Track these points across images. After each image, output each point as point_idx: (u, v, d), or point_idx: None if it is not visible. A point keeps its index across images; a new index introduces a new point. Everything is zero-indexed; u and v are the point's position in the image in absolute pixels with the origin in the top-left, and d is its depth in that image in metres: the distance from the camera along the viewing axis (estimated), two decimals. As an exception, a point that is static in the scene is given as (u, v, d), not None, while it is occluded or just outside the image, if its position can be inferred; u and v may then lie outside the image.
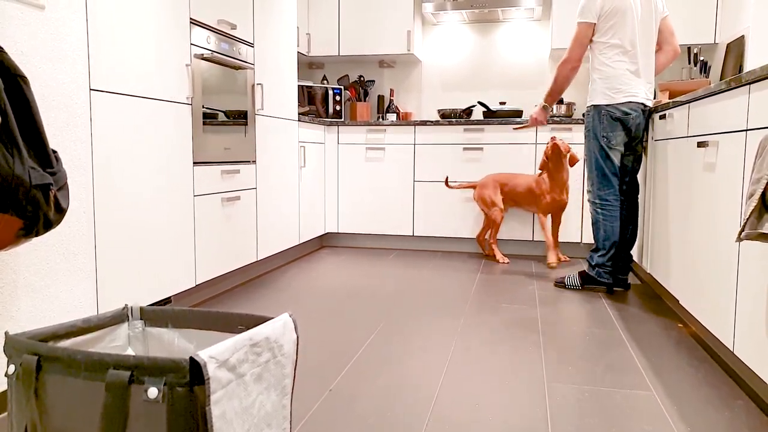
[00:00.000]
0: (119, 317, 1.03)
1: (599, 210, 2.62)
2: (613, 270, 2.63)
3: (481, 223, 3.62)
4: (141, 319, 1.05)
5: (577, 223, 3.47)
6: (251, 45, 2.73)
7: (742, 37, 3.04)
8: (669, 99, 2.89)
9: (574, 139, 3.43)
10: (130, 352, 1.05)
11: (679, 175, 2.17)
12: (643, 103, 2.54)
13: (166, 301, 2.17)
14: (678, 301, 2.15)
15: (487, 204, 3.35)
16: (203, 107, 2.33)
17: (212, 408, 0.73)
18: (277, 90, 3.03)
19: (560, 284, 2.77)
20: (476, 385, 1.60)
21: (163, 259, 2.07)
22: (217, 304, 2.45)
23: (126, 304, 1.03)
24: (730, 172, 1.62)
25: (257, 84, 2.79)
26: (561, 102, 3.78)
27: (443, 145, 3.64)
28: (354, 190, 3.81)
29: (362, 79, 4.23)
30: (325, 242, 3.99)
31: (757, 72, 1.44)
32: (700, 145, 1.84)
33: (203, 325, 1.01)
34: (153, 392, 0.72)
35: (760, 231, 1.17)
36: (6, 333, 0.80)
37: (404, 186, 3.72)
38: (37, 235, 1.24)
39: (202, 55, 2.30)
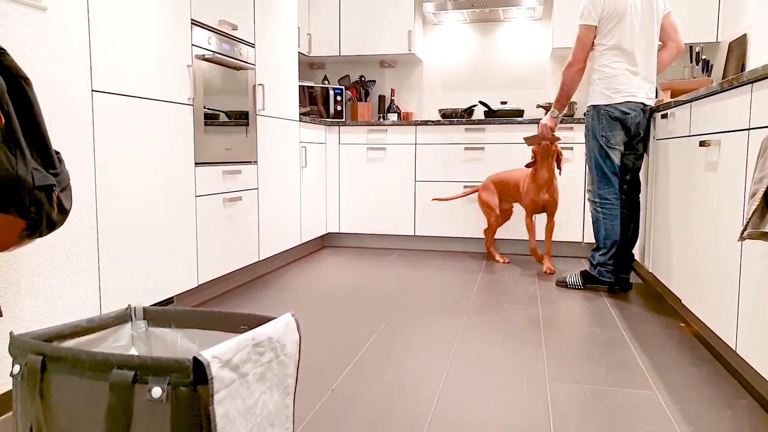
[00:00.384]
0: (122, 317, 1.03)
1: (599, 209, 2.62)
2: (614, 269, 2.63)
3: (481, 223, 3.62)
4: (144, 319, 1.06)
5: (579, 223, 3.47)
6: (252, 45, 2.74)
7: (745, 35, 3.04)
8: (671, 98, 2.88)
9: (576, 138, 3.43)
10: (133, 352, 1.05)
11: (680, 175, 2.17)
12: (642, 103, 2.55)
13: (168, 301, 2.18)
14: (680, 300, 2.15)
15: (483, 207, 3.35)
16: (204, 108, 2.33)
17: (215, 407, 0.73)
18: (278, 90, 3.03)
19: (562, 284, 2.77)
20: (478, 384, 1.60)
21: (165, 259, 2.08)
22: (219, 304, 2.46)
23: (129, 305, 1.04)
24: (732, 172, 1.62)
25: (258, 84, 2.80)
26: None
27: (444, 144, 3.64)
28: (355, 190, 3.81)
29: (363, 79, 4.23)
30: (326, 242, 3.99)
31: (760, 71, 1.44)
32: (701, 144, 1.84)
33: (206, 325, 1.02)
34: (157, 392, 0.72)
35: (762, 230, 1.17)
36: (11, 333, 0.80)
37: (406, 186, 3.72)
38: (40, 236, 1.25)
39: (203, 55, 2.31)
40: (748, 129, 1.53)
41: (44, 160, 1.26)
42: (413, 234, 3.74)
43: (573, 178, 3.45)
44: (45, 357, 0.77)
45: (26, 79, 1.23)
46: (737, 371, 1.66)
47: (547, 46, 3.97)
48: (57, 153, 1.30)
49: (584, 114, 3.69)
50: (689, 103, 2.08)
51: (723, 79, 3.33)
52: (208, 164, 2.38)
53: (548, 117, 2.81)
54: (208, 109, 2.36)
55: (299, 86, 3.84)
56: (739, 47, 3.10)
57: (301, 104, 3.92)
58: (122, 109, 1.84)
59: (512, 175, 3.28)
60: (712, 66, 3.35)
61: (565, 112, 3.73)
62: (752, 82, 1.51)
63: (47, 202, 1.22)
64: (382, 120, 3.94)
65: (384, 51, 3.93)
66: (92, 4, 1.69)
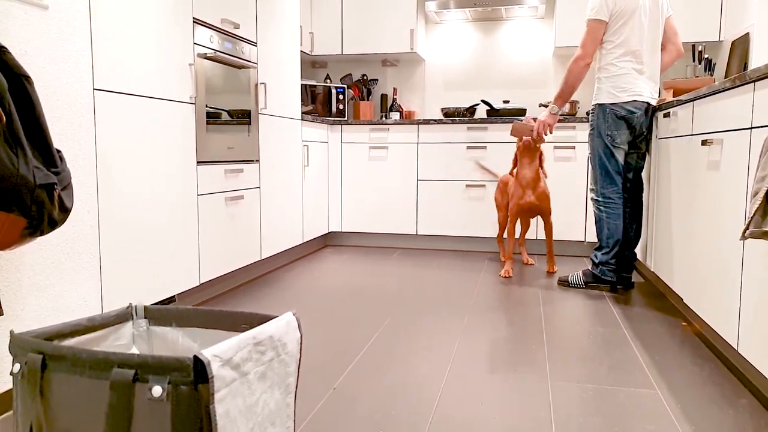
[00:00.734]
0: (123, 316, 1.03)
1: (602, 208, 2.61)
2: (617, 268, 2.63)
3: (483, 222, 3.62)
4: (145, 318, 1.06)
5: (581, 222, 3.46)
6: (254, 44, 2.74)
7: (747, 34, 3.03)
8: (673, 97, 2.88)
9: (578, 138, 3.42)
10: (134, 350, 1.05)
11: (683, 174, 2.16)
12: (647, 102, 2.54)
13: (170, 300, 2.18)
14: (682, 299, 2.15)
15: (495, 203, 3.33)
16: (206, 106, 2.33)
17: (216, 406, 0.73)
18: (280, 89, 3.03)
19: (564, 283, 2.76)
20: (480, 383, 1.60)
21: (166, 258, 2.08)
22: (221, 303, 2.46)
23: (130, 303, 1.04)
24: (735, 171, 1.62)
25: (260, 83, 2.79)
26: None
27: (447, 143, 3.64)
28: (357, 189, 3.81)
29: (365, 77, 4.23)
30: (328, 241, 3.99)
31: (762, 70, 1.43)
32: (704, 143, 1.84)
33: (207, 324, 1.02)
34: (157, 391, 0.72)
35: (764, 229, 1.17)
36: (11, 332, 0.81)
37: (408, 185, 3.72)
38: (41, 235, 1.25)
39: (206, 54, 2.31)
40: (750, 128, 1.52)
41: (45, 158, 1.26)
42: (415, 233, 3.74)
43: (574, 177, 3.44)
44: (45, 356, 0.77)
45: (27, 78, 1.23)
46: (739, 370, 1.66)
47: (550, 45, 3.96)
48: (58, 151, 1.30)
49: (587, 113, 3.69)
50: (691, 102, 2.07)
51: (725, 78, 3.32)
52: (210, 163, 2.38)
53: (547, 114, 2.71)
54: (210, 107, 2.36)
55: (301, 85, 3.84)
56: (741, 46, 3.08)
57: (303, 103, 3.92)
58: (124, 108, 1.84)
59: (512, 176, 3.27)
60: (714, 65, 3.34)
61: (566, 110, 3.72)
62: (755, 81, 1.51)
63: (48, 200, 1.22)
64: (384, 119, 3.93)
65: (386, 50, 3.93)
66: (94, 3, 1.69)
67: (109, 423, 0.73)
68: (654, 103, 2.59)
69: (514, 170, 3.04)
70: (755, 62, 2.92)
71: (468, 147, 3.60)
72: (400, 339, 1.97)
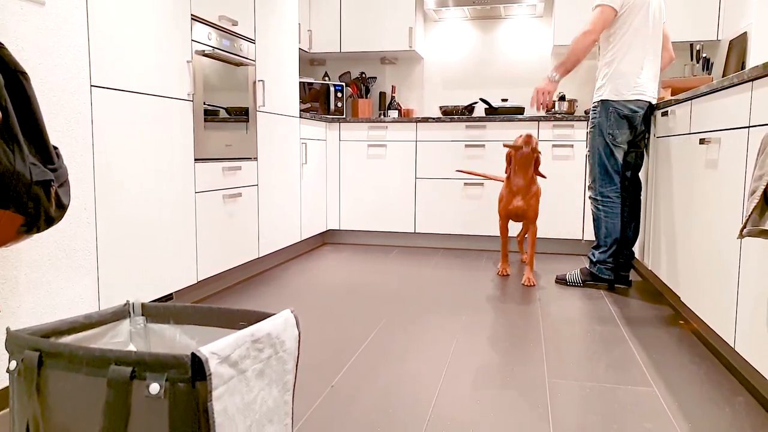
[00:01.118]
0: (121, 313, 1.03)
1: (600, 207, 2.61)
2: (614, 267, 2.63)
3: (481, 221, 3.62)
4: (143, 315, 1.05)
5: (578, 220, 3.46)
6: (252, 41, 2.73)
7: (745, 33, 3.03)
8: (671, 96, 2.88)
9: (576, 136, 3.42)
10: (131, 348, 1.05)
11: (680, 173, 2.16)
12: (649, 102, 2.53)
13: (167, 297, 2.18)
14: (679, 297, 2.15)
15: None
16: (204, 104, 2.32)
17: (214, 404, 0.73)
18: (278, 87, 3.02)
19: (561, 281, 2.76)
20: (478, 381, 1.60)
21: (164, 255, 2.08)
22: (219, 301, 2.46)
23: (128, 301, 1.03)
24: (732, 169, 1.62)
25: (259, 80, 2.79)
26: (563, 99, 3.77)
27: (445, 142, 3.63)
28: (356, 187, 3.80)
29: (364, 75, 4.22)
30: (326, 239, 3.99)
31: (760, 69, 1.43)
32: (702, 142, 1.84)
33: (205, 321, 1.01)
34: (155, 388, 0.72)
35: (761, 228, 1.17)
36: (7, 329, 0.80)
37: (406, 183, 3.72)
38: (38, 232, 1.24)
39: (203, 51, 2.30)
40: (748, 127, 1.52)
41: (42, 155, 1.25)
42: (413, 231, 3.74)
43: (572, 176, 3.45)
44: (42, 353, 0.77)
45: (24, 74, 1.22)
46: (735, 368, 1.66)
47: (548, 43, 3.96)
48: (55, 148, 1.30)
49: (586, 111, 3.69)
50: (689, 101, 2.08)
51: (723, 76, 3.32)
52: (208, 160, 2.37)
53: (546, 81, 2.59)
54: (208, 105, 2.35)
55: (300, 82, 3.83)
56: (739, 45, 3.09)
57: (302, 101, 3.91)
58: (121, 105, 1.83)
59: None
60: (712, 64, 3.35)
61: (564, 109, 3.72)
62: (753, 80, 1.51)
63: (45, 197, 1.22)
64: (382, 117, 3.93)
65: (385, 48, 3.92)
66: (91, -1, 1.68)
67: (106, 420, 0.72)
68: (654, 102, 2.59)
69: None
70: (753, 61, 2.93)
71: (466, 145, 3.60)
72: (398, 337, 1.97)
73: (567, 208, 3.47)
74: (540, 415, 1.40)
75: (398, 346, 1.87)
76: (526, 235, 3.22)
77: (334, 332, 2.02)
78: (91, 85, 1.69)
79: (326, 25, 3.98)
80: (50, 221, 1.26)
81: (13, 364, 0.78)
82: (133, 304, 1.04)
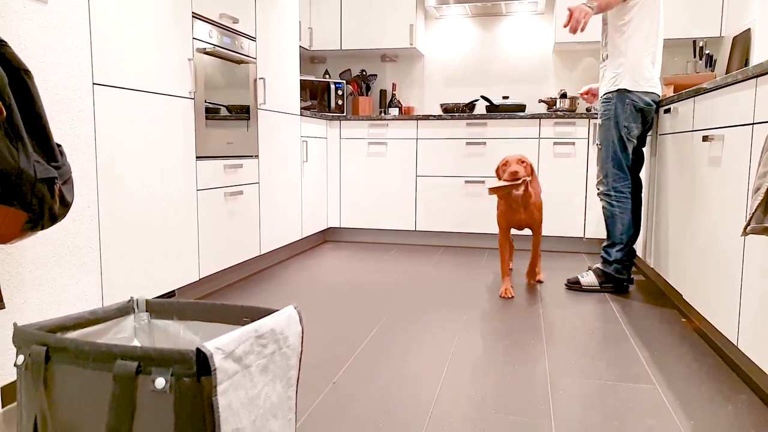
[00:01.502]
0: (125, 309, 1.03)
1: (615, 203, 2.49)
2: (629, 265, 2.56)
3: (482, 219, 3.62)
4: (147, 311, 1.06)
5: (580, 217, 3.46)
6: (253, 39, 2.73)
7: (749, 30, 3.03)
8: (673, 93, 2.87)
9: (577, 134, 3.42)
10: (135, 343, 1.05)
11: (683, 170, 2.16)
12: (660, 96, 2.49)
13: (169, 294, 2.18)
14: (681, 295, 2.15)
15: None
16: (205, 102, 2.33)
17: (219, 398, 0.74)
18: (279, 84, 3.02)
19: (574, 286, 2.59)
20: (478, 379, 1.60)
21: (166, 253, 2.08)
22: (221, 298, 2.46)
23: (132, 297, 1.04)
24: (736, 167, 1.62)
25: (259, 78, 2.79)
26: (564, 96, 3.77)
27: (446, 139, 3.63)
28: (356, 185, 3.81)
29: (364, 73, 4.22)
30: (327, 237, 3.99)
31: (764, 65, 1.43)
32: (705, 139, 1.84)
33: (208, 317, 1.02)
34: (160, 383, 0.73)
35: (765, 225, 1.17)
36: (14, 324, 0.81)
37: (406, 181, 3.72)
38: (42, 229, 1.25)
39: (204, 49, 2.30)
40: (752, 124, 1.52)
41: (46, 152, 1.26)
42: (414, 229, 3.74)
43: (574, 173, 3.44)
44: (49, 348, 0.77)
45: (27, 72, 1.22)
46: (738, 366, 1.66)
47: (550, 40, 3.96)
48: (59, 146, 1.30)
49: (588, 109, 3.68)
50: (692, 98, 2.08)
51: (727, 73, 3.32)
52: (210, 158, 2.38)
53: (584, 6, 2.31)
54: (209, 103, 2.35)
55: (300, 80, 3.83)
56: (743, 42, 3.08)
57: (302, 99, 3.91)
58: (123, 103, 1.84)
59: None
60: (715, 61, 3.34)
61: (566, 107, 3.72)
62: (757, 77, 1.51)
63: (49, 194, 1.22)
64: (383, 114, 3.93)
65: (385, 45, 3.92)
66: (93, -3, 1.68)
67: (112, 414, 0.73)
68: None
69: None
70: (757, 58, 2.92)
71: (467, 143, 3.60)
72: (399, 335, 1.97)
73: (568, 205, 3.47)
74: (542, 412, 1.40)
75: (399, 344, 1.88)
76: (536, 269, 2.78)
77: (335, 330, 2.02)
78: (93, 83, 1.70)
79: (327, 22, 3.98)
80: (54, 218, 1.26)
81: (21, 358, 0.79)
82: (137, 300, 1.05)
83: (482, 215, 3.61)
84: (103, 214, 1.74)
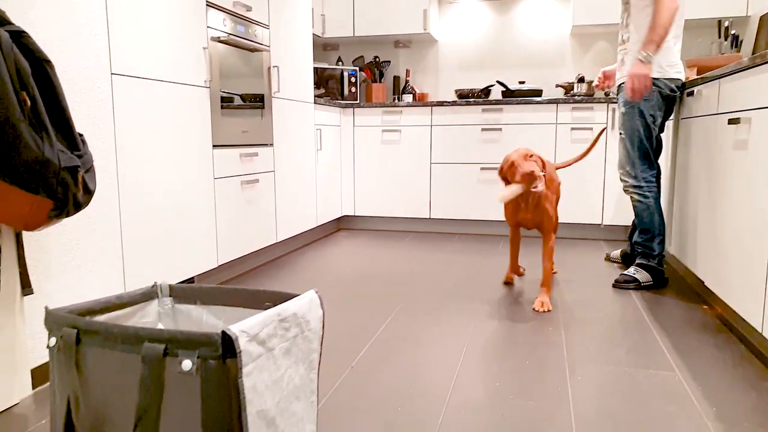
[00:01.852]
0: (149, 294, 1.05)
1: (648, 194, 2.38)
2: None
3: (497, 206, 3.60)
4: (170, 296, 1.07)
5: (598, 205, 3.43)
6: (267, 27, 2.72)
7: (772, 10, 2.94)
8: (697, 75, 2.81)
9: (595, 119, 3.38)
10: (160, 327, 1.07)
11: (707, 154, 2.12)
12: (683, 81, 2.39)
13: (189, 281, 2.21)
14: (703, 282, 2.13)
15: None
16: (220, 91, 2.33)
17: (244, 380, 0.75)
18: (293, 72, 3.02)
19: (627, 284, 2.40)
20: (496, 364, 1.60)
21: (185, 239, 2.11)
22: (239, 285, 2.48)
23: (155, 282, 1.05)
24: (763, 150, 1.59)
25: (273, 66, 2.79)
26: (582, 80, 3.71)
27: (461, 126, 3.61)
28: (370, 173, 3.80)
29: (377, 60, 4.20)
30: (342, 225, 4.01)
31: (790, 44, 1.39)
32: (731, 122, 1.80)
33: (231, 301, 1.03)
34: (187, 365, 0.74)
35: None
36: (46, 308, 0.83)
37: (421, 168, 3.70)
38: (67, 216, 1.27)
39: (219, 38, 2.30)
40: (777, 105, 1.49)
41: (69, 141, 1.28)
42: (428, 217, 3.74)
43: (592, 159, 3.40)
44: (79, 330, 0.79)
45: (49, 62, 1.24)
46: (762, 353, 1.64)
47: (567, 23, 3.89)
48: (80, 135, 1.32)
49: (606, 93, 3.63)
50: (717, 80, 2.03)
51: (754, 54, 3.24)
52: (226, 147, 2.39)
53: (639, 65, 2.22)
54: (224, 91, 2.36)
55: (313, 68, 3.82)
56: None
57: (315, 86, 3.91)
58: (141, 92, 1.85)
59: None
60: (741, 41, 3.26)
61: (583, 91, 3.66)
62: (782, 57, 1.47)
63: (73, 182, 1.24)
64: (396, 101, 3.91)
65: (399, 31, 3.89)
66: (111, -14, 1.69)
67: (141, 395, 0.75)
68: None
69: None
70: (780, 39, 2.84)
71: (482, 129, 3.57)
72: (415, 321, 1.98)
73: (586, 192, 3.43)
74: (560, 397, 1.40)
75: (415, 330, 1.89)
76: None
77: (351, 316, 2.04)
78: (112, 73, 1.71)
79: (339, 9, 3.96)
80: (78, 206, 1.28)
81: (53, 340, 0.81)
82: (160, 285, 1.06)
83: (498, 202, 3.59)
84: (123, 202, 1.77)
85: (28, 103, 1.15)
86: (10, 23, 1.19)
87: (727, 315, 1.97)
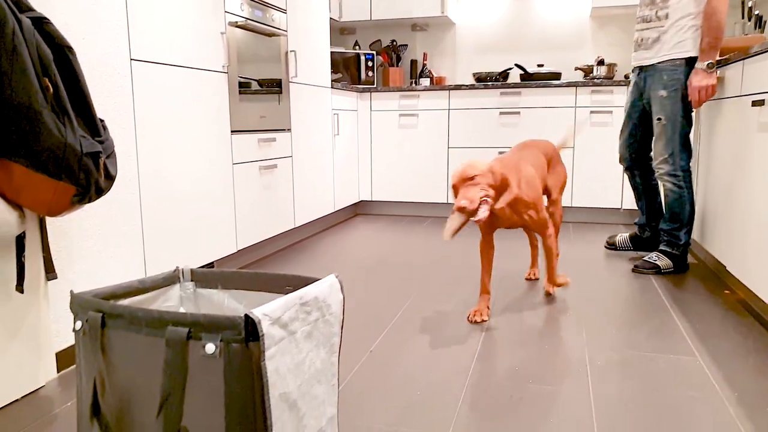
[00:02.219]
0: (171, 279, 1.07)
1: (684, 183, 2.30)
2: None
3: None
4: (192, 280, 1.09)
5: (617, 189, 3.38)
6: (284, 11, 2.71)
7: (803, -13, 2.84)
8: (720, 56, 2.74)
9: (615, 102, 3.31)
10: (182, 311, 1.09)
11: (730, 137, 2.07)
12: None
13: (208, 265, 2.24)
14: (725, 267, 2.09)
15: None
16: (238, 76, 2.34)
17: (267, 363, 0.76)
18: (310, 57, 3.01)
19: (648, 270, 2.37)
20: (514, 350, 1.60)
21: (205, 225, 2.13)
22: (258, 269, 2.51)
23: (177, 267, 1.07)
24: (788, 131, 1.54)
25: (290, 51, 2.78)
26: (602, 63, 3.63)
27: (478, 109, 3.57)
28: (387, 158, 3.79)
29: (395, 43, 4.16)
30: (359, 210, 4.01)
31: (823, 22, 1.34)
32: (754, 104, 1.75)
33: (252, 286, 1.04)
34: (210, 348, 0.75)
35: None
36: (71, 291, 0.84)
37: (438, 152, 3.68)
38: (89, 202, 1.29)
39: (236, 22, 2.30)
40: (808, 85, 1.44)
41: (90, 127, 1.29)
42: (446, 201, 3.72)
43: (611, 143, 3.35)
44: (104, 314, 0.80)
45: (70, 48, 1.25)
46: (785, 338, 1.62)
47: (587, 5, 3.80)
48: (101, 121, 1.33)
49: (626, 76, 3.54)
50: (741, 61, 1.97)
51: (777, 35, 3.14)
52: (244, 132, 2.40)
53: (702, 74, 2.15)
54: (242, 77, 2.36)
55: (330, 52, 3.80)
56: (796, 0, 2.90)
57: (333, 71, 3.89)
58: (160, 78, 1.86)
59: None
60: (765, 21, 3.16)
61: (603, 74, 3.59)
62: (815, 35, 1.42)
63: (95, 168, 1.26)
64: (414, 85, 3.87)
65: (416, 14, 3.84)
66: (128, -29, 1.69)
67: (166, 378, 0.76)
68: None
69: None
70: (811, 17, 2.75)
71: (501, 113, 3.53)
72: (433, 306, 1.98)
73: (605, 176, 3.38)
74: (579, 382, 1.39)
75: (433, 315, 1.89)
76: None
77: (369, 300, 2.05)
78: (131, 59, 1.72)
79: (356, -8, 3.92)
80: (100, 191, 1.30)
81: (78, 324, 0.83)
82: (182, 270, 1.08)
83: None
84: (143, 188, 1.79)
85: (51, 89, 1.16)
86: (32, 9, 1.20)
87: (749, 300, 1.94)
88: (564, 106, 3.41)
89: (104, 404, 0.84)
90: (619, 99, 3.30)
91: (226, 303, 1.06)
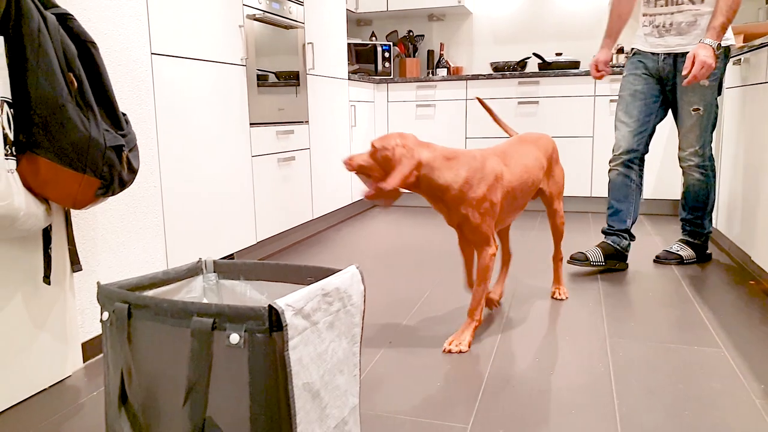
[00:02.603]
0: (194, 270, 1.08)
1: (711, 174, 2.25)
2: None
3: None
4: (214, 272, 1.10)
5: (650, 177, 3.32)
6: (301, 3, 2.71)
7: (834, -32, 2.74)
8: (744, 42, 2.67)
9: (637, 90, 3.24)
10: (205, 302, 1.10)
11: (754, 125, 2.02)
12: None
13: (229, 257, 2.27)
14: (750, 256, 2.05)
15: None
16: (256, 68, 2.34)
17: (290, 353, 0.77)
18: (327, 49, 3.00)
19: (672, 261, 2.34)
20: (535, 341, 1.59)
21: (225, 217, 2.15)
22: (278, 261, 2.54)
23: (200, 258, 1.08)
24: (819, 118, 1.50)
25: (308, 43, 2.78)
26: (621, 51, 3.57)
27: (496, 99, 3.53)
28: (404, 149, 3.77)
29: (411, 34, 4.13)
30: (376, 201, 4.01)
31: None
32: (783, 89, 1.70)
33: (274, 277, 1.05)
34: (235, 338, 0.76)
35: None
36: (98, 283, 0.86)
37: (456, 143, 3.66)
38: (113, 194, 1.31)
39: (254, 15, 2.30)
40: (841, 70, 1.39)
41: (113, 121, 1.31)
42: (463, 192, 3.70)
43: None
44: (131, 305, 0.82)
45: (93, 44, 1.27)
46: (813, 330, 1.58)
47: (607, -10, 3.73)
48: (124, 115, 1.35)
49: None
50: (765, 47, 1.92)
51: (806, 18, 3.04)
52: (262, 125, 2.41)
53: (711, 53, 1.98)
54: (260, 69, 2.37)
55: (347, 44, 3.79)
56: (827, -18, 2.80)
57: (349, 62, 3.88)
58: (180, 72, 1.88)
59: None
60: (793, 5, 3.06)
61: (623, 62, 3.51)
62: None
63: (118, 161, 1.28)
64: (431, 76, 3.85)
65: (432, 4, 3.80)
66: (147, -34, 1.70)
67: (191, 367, 0.77)
68: None
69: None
70: (842, -1, 2.66)
71: (519, 102, 3.49)
72: (452, 297, 1.98)
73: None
74: (601, 374, 1.38)
75: (453, 306, 1.89)
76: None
77: (388, 291, 2.05)
78: (152, 53, 1.74)
79: (372, -18, 3.89)
80: (123, 184, 1.32)
81: (105, 315, 0.84)
82: (205, 261, 1.09)
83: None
84: (164, 180, 1.81)
85: (75, 84, 1.18)
86: (56, 6, 1.21)
87: (777, 292, 1.90)
88: (583, 95, 3.36)
89: (131, 393, 0.85)
90: (641, 87, 3.23)
91: (249, 294, 1.08)
